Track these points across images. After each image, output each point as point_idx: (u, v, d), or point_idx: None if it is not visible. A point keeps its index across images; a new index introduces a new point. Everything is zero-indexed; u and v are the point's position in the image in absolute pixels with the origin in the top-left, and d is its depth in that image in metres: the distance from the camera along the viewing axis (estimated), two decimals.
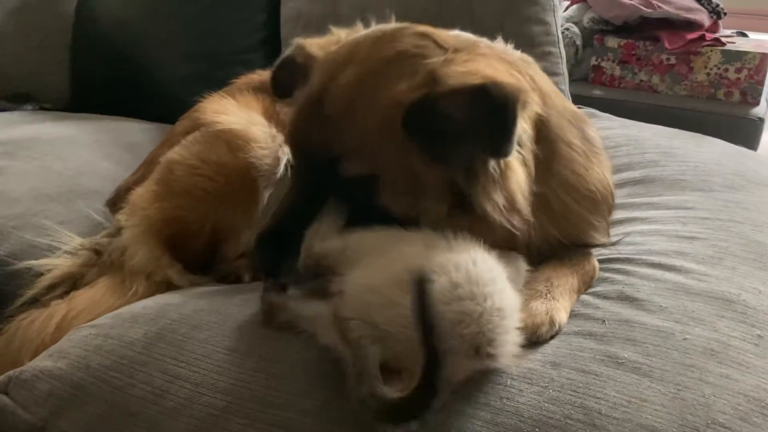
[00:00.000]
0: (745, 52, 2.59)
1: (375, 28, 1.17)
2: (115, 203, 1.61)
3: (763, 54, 2.58)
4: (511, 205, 1.03)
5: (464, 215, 1.02)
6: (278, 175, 1.39)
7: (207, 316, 1.14)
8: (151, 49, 2.36)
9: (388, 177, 1.02)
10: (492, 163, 0.99)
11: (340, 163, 1.02)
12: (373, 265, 0.95)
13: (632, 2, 2.71)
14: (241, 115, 1.47)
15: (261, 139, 1.40)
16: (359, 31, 1.17)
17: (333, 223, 1.06)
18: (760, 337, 1.01)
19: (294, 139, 1.12)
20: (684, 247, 1.21)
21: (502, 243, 1.04)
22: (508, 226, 1.03)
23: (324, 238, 1.04)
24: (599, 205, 1.23)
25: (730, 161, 1.59)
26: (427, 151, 0.99)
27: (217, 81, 1.71)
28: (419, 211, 1.03)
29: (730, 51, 2.61)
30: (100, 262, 1.44)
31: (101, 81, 2.43)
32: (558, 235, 1.16)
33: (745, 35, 3.00)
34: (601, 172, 1.23)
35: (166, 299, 1.24)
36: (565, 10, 2.96)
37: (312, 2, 2.19)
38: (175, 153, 1.45)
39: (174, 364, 1.05)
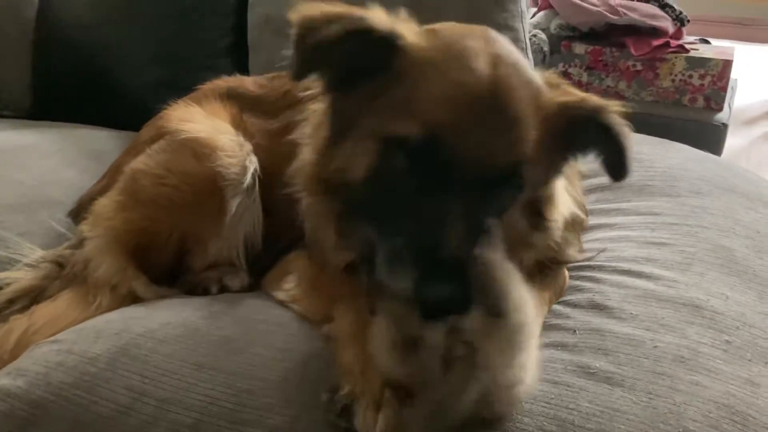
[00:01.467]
0: (708, 59, 2.64)
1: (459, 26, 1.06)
2: (78, 213, 1.57)
3: (726, 61, 2.63)
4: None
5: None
6: (245, 184, 1.36)
7: (173, 330, 1.11)
8: (116, 54, 2.30)
9: (529, 182, 0.98)
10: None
11: (521, 168, 0.94)
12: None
13: (599, 9, 2.74)
14: (207, 123, 1.44)
15: (228, 148, 1.37)
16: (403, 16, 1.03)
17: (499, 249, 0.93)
18: (728, 342, 1.01)
19: (473, 141, 0.91)
20: (653, 253, 1.22)
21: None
22: (552, 243, 1.09)
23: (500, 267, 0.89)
24: (577, 225, 1.24)
25: (696, 166, 1.61)
26: (564, 156, 1.04)
27: (184, 87, 1.68)
28: (521, 221, 1.04)
29: (694, 58, 2.66)
30: (62, 275, 1.40)
31: (64, 87, 2.37)
32: (540, 256, 1.15)
33: (707, 42, 3.05)
34: (580, 193, 1.25)
35: (131, 312, 1.21)
36: (532, 17, 2.98)
37: (280, 7, 2.16)
38: (139, 162, 1.42)
39: (139, 380, 1.02)
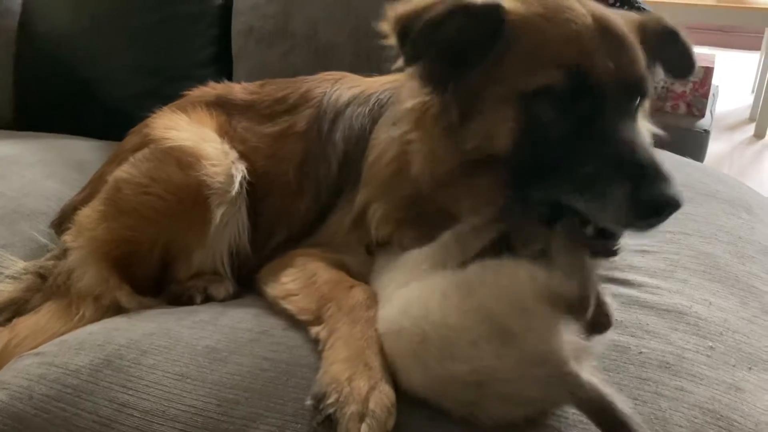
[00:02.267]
0: None
1: None
2: (60, 224, 1.55)
3: (707, 68, 2.66)
4: None
5: None
6: (232, 192, 1.36)
7: (157, 340, 1.10)
8: (99, 64, 2.29)
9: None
10: None
11: (647, 79, 1.06)
12: None
13: None
14: (193, 131, 1.44)
15: (213, 156, 1.37)
16: None
17: None
18: (712, 348, 1.02)
19: (602, 63, 0.99)
20: (636, 260, 1.23)
21: None
22: None
23: None
24: None
25: (678, 173, 1.59)
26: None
27: (168, 96, 1.68)
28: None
29: None
30: (44, 287, 1.39)
31: (46, 98, 2.36)
32: None
33: None
34: None
35: (114, 324, 1.20)
36: None
37: (264, 17, 2.17)
38: (123, 171, 1.41)
39: (122, 391, 1.01)
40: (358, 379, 0.90)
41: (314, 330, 1.06)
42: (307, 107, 1.47)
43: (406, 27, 1.00)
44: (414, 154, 1.11)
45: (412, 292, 0.97)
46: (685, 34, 1.15)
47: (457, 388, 0.87)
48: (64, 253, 1.41)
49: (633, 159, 0.93)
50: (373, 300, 1.05)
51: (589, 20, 1.01)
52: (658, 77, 1.18)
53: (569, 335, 0.84)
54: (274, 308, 1.19)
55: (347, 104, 1.41)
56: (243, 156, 1.43)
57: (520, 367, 0.83)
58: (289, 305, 1.16)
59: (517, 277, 0.89)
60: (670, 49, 1.15)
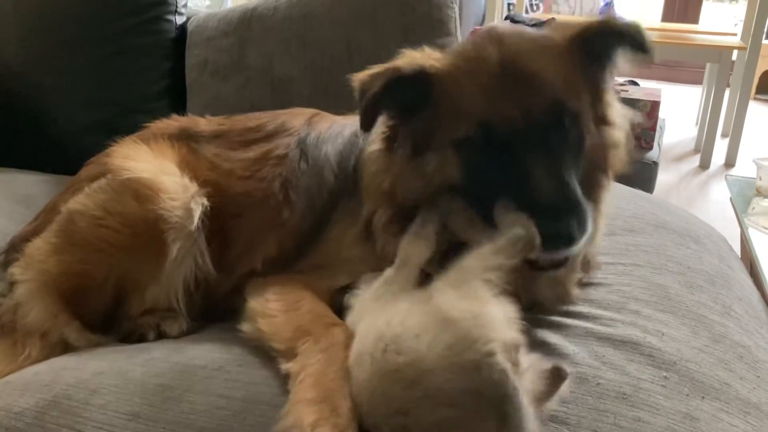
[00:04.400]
0: (638, 100, 2.76)
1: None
2: (8, 256, 1.50)
3: (654, 102, 2.76)
4: None
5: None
6: (191, 227, 1.33)
7: (107, 380, 1.07)
8: (48, 96, 2.25)
9: (583, 109, 1.14)
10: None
11: (566, 103, 1.10)
12: None
13: None
14: (152, 163, 1.41)
15: (171, 190, 1.34)
16: (427, 50, 1.21)
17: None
18: (666, 378, 1.03)
19: (507, 111, 1.08)
20: (590, 293, 1.24)
21: None
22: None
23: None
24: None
25: (629, 204, 1.66)
26: (592, 69, 1.18)
27: (119, 129, 1.63)
28: (594, 141, 1.16)
29: (624, 99, 2.75)
30: None
31: None
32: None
33: (636, 83, 3.19)
34: None
35: (62, 363, 1.16)
36: None
37: (219, 50, 2.17)
38: (77, 203, 1.37)
39: None
40: (323, 425, 0.87)
41: (285, 366, 1.02)
42: (285, 135, 1.47)
43: (360, 96, 1.15)
44: (386, 176, 1.22)
45: (377, 316, 0.98)
46: (627, 23, 1.16)
47: (395, 387, 0.85)
48: (11, 287, 1.36)
49: (536, 197, 1.03)
50: (351, 341, 1.02)
51: (496, 69, 1.10)
52: (616, 69, 1.21)
53: (509, 330, 0.88)
54: (247, 327, 1.16)
55: (331, 132, 1.44)
56: (211, 182, 1.41)
57: (447, 355, 0.84)
58: (265, 327, 1.12)
59: (465, 264, 0.99)
60: (619, 42, 1.17)
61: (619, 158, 1.24)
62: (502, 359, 0.82)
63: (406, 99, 1.16)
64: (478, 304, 0.90)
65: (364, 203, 1.26)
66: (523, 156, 1.06)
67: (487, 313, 0.88)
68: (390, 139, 1.21)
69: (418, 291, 1.02)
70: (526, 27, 1.23)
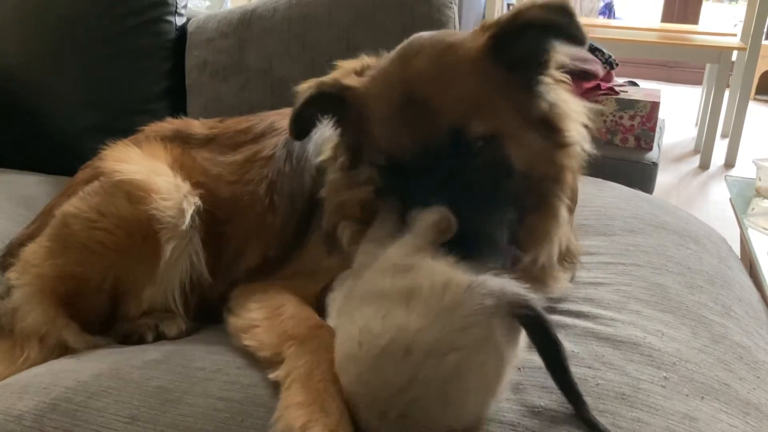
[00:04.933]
0: (637, 101, 2.75)
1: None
2: (5, 260, 1.50)
3: (654, 102, 2.75)
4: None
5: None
6: (183, 227, 1.34)
7: (106, 382, 1.07)
8: (48, 96, 2.25)
9: (505, 125, 1.06)
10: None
11: (467, 128, 1.03)
12: None
13: None
14: (144, 165, 1.42)
15: (163, 190, 1.34)
16: (366, 60, 1.21)
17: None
18: (666, 378, 1.03)
19: (405, 143, 1.06)
20: (590, 293, 1.24)
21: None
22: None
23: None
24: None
25: (629, 205, 1.66)
26: (517, 72, 1.08)
27: (119, 130, 1.65)
28: (533, 151, 1.09)
29: (623, 99, 2.77)
30: None
31: None
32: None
33: (635, 84, 3.18)
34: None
35: (60, 365, 1.16)
36: None
37: (218, 51, 2.17)
38: (71, 206, 1.38)
39: None
40: (313, 427, 0.87)
41: (273, 374, 1.01)
42: (273, 135, 1.48)
43: (294, 104, 1.18)
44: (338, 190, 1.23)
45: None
46: (550, 11, 1.04)
47: (389, 366, 0.86)
48: (8, 291, 1.36)
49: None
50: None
51: (397, 95, 1.07)
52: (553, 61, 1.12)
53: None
54: (234, 342, 1.15)
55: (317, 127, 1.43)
56: (203, 185, 1.42)
57: (428, 311, 0.86)
58: (250, 341, 1.11)
59: (389, 253, 1.00)
60: (546, 33, 1.07)
61: (571, 160, 1.15)
62: (478, 280, 0.87)
63: (334, 113, 1.18)
64: (422, 265, 0.94)
65: (324, 215, 1.26)
66: (424, 186, 1.04)
67: (437, 266, 0.93)
68: (336, 151, 1.23)
69: (352, 293, 1.03)
70: (451, 33, 1.19)
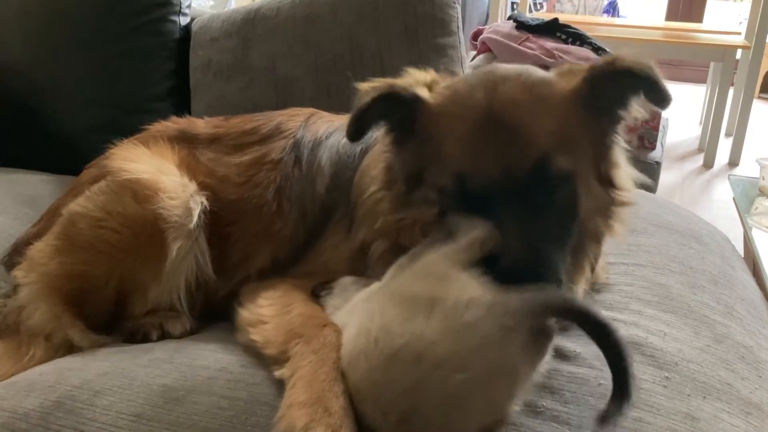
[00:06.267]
0: None
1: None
2: (12, 259, 1.51)
3: None
4: None
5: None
6: (190, 226, 1.34)
7: (111, 380, 1.07)
8: (53, 96, 2.25)
9: (581, 168, 1.06)
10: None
11: (554, 161, 1.02)
12: None
13: (535, 53, 2.83)
14: (151, 164, 1.42)
15: (170, 189, 1.35)
16: (433, 74, 1.17)
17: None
18: (668, 378, 1.04)
19: (485, 166, 1.03)
20: (591, 293, 1.24)
21: None
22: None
23: None
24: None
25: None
26: (599, 120, 1.09)
27: (123, 130, 1.65)
28: (597, 202, 1.09)
29: None
30: None
31: None
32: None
33: None
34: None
35: (66, 363, 1.16)
36: (472, 60, 3.05)
37: (222, 51, 2.18)
38: (77, 205, 1.38)
39: None
40: (315, 427, 0.87)
41: (278, 372, 1.02)
42: (280, 138, 1.47)
43: (355, 104, 1.11)
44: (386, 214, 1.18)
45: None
46: (642, 66, 1.05)
47: (398, 368, 0.87)
48: (15, 289, 1.37)
49: (504, 258, 0.98)
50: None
51: (481, 118, 1.04)
52: (632, 113, 1.12)
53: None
54: (241, 337, 1.16)
55: (328, 135, 1.43)
56: (209, 187, 1.42)
57: (446, 324, 0.87)
58: (257, 336, 1.11)
59: (429, 258, 1.00)
60: (633, 88, 1.08)
61: (615, 224, 1.15)
62: (500, 300, 0.87)
63: (396, 121, 1.13)
64: (456, 278, 0.94)
65: (360, 227, 1.24)
66: (497, 213, 1.01)
67: (471, 282, 0.92)
68: (388, 171, 1.18)
69: (382, 289, 1.03)
70: (534, 69, 1.13)
